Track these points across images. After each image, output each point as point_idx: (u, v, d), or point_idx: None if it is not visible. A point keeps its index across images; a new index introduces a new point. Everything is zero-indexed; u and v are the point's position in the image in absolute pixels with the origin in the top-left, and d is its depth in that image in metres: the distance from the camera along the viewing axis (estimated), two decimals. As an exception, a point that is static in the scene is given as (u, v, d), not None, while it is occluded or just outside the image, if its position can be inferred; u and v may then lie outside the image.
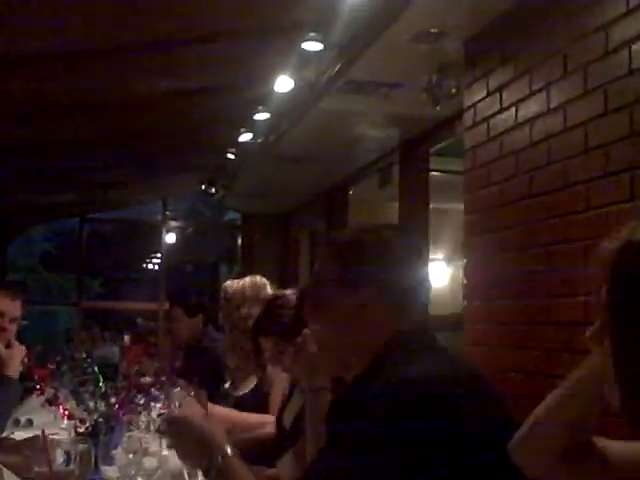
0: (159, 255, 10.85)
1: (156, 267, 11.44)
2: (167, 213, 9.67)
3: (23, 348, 3.12)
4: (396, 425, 1.21)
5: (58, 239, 11.62)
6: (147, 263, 11.73)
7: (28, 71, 4.33)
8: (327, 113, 4.86)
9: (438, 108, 3.95)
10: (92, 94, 4.88)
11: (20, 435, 3.00)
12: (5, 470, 2.07)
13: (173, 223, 9.94)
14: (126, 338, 5.52)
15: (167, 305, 5.19)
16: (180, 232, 10.30)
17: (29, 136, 5.65)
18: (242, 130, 5.65)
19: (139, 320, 10.62)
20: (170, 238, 10.08)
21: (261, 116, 5.22)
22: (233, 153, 6.34)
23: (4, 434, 2.98)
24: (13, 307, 3.28)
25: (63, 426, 2.74)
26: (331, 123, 5.09)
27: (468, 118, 3.63)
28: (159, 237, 9.78)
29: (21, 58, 4.09)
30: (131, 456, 2.20)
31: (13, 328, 3.24)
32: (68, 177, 7.30)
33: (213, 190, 7.81)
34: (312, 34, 3.79)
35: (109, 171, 7.13)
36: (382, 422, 1.22)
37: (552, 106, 2.94)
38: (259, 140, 5.72)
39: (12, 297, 3.30)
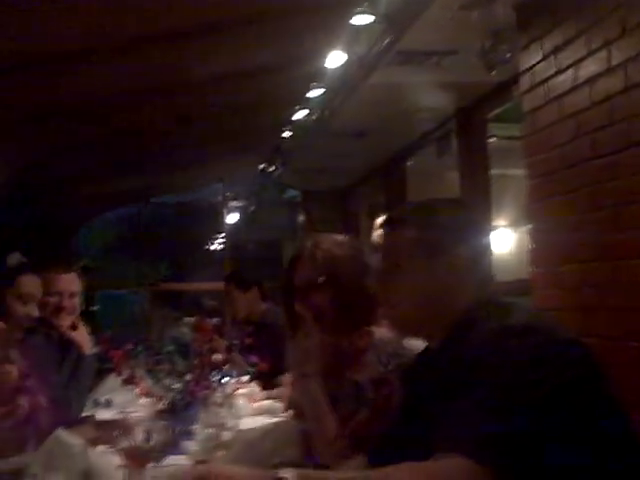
0: (222, 235, 11.02)
1: (219, 247, 11.62)
2: (227, 194, 9.79)
3: (82, 329, 3.15)
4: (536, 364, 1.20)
5: (125, 224, 11.87)
6: (211, 244, 11.91)
7: (85, 65, 4.42)
8: (380, 86, 4.84)
9: (493, 74, 3.90)
10: (149, 80, 4.96)
11: (100, 415, 3.12)
12: (92, 448, 2.16)
13: (234, 203, 10.06)
14: (194, 318, 5.62)
15: (225, 285, 5.29)
16: (241, 212, 10.41)
17: (93, 130, 5.78)
18: (297, 108, 5.67)
19: (205, 300, 10.81)
20: (232, 218, 10.21)
21: (315, 92, 5.24)
22: (289, 131, 6.38)
23: (85, 414, 3.09)
24: (68, 281, 3.17)
25: (141, 404, 2.83)
26: (385, 96, 5.07)
27: (525, 82, 3.57)
28: (221, 218, 9.91)
29: (83, 50, 4.17)
30: (209, 431, 2.28)
31: (75, 304, 3.17)
32: (132, 164, 7.45)
33: (272, 169, 7.88)
34: (362, 8, 3.79)
35: (172, 155, 7.25)
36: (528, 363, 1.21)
37: (612, 65, 2.88)
38: (314, 117, 5.74)
39: (64, 270, 3.19)
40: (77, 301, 3.18)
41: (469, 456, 1.14)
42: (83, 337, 3.15)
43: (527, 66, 3.54)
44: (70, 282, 3.18)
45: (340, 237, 2.15)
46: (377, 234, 3.79)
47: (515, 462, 1.14)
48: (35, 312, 2.67)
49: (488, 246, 1.54)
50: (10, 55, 3.94)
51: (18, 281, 2.74)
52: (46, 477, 1.67)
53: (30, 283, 2.78)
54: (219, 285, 10.02)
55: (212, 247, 11.94)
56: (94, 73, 4.56)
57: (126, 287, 10.76)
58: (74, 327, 3.13)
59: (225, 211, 9.85)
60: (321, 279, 2.00)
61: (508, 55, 3.71)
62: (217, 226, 10.89)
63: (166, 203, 10.62)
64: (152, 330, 3.35)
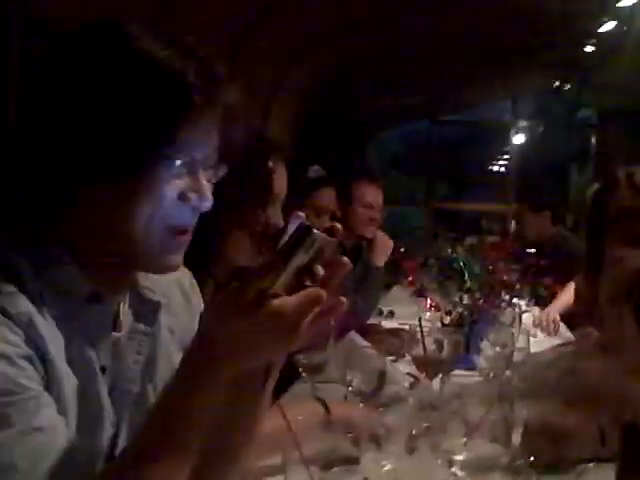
0: (506, 157, 10.70)
1: (502, 169, 11.32)
2: (515, 113, 9.43)
3: (390, 240, 3.25)
4: None
5: (408, 141, 12.00)
6: (493, 165, 11.66)
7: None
8: None
9: None
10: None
11: (385, 324, 3.20)
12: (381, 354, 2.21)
13: (522, 123, 9.68)
14: (469, 239, 5.60)
15: (515, 206, 5.17)
16: (529, 132, 10.00)
17: (380, 43, 5.81)
18: (604, 19, 5.22)
19: (483, 222, 10.68)
20: (518, 139, 9.85)
21: (627, 2, 4.76)
22: (592, 45, 5.91)
23: (371, 322, 3.20)
24: (379, 196, 3.33)
25: (426, 317, 2.85)
26: None
27: None
28: (507, 138, 9.59)
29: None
30: (498, 349, 2.22)
31: (379, 218, 3.32)
32: (419, 79, 7.43)
33: (566, 86, 7.41)
34: None
35: (459, 71, 7.10)
36: None
37: None
38: (624, 28, 5.24)
39: (377, 186, 3.35)
40: (380, 217, 3.29)
41: None
42: (381, 248, 3.22)
43: None
44: (376, 194, 3.30)
45: None
46: None
47: None
48: (327, 225, 2.77)
49: None
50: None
51: (316, 194, 2.85)
52: (345, 373, 1.73)
53: (326, 196, 2.89)
54: (499, 207, 9.85)
55: (494, 168, 11.68)
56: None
57: (407, 204, 10.95)
58: (371, 238, 3.23)
59: (512, 131, 9.51)
60: None
61: None
62: (502, 147, 10.59)
63: (451, 121, 10.51)
64: (443, 245, 3.35)
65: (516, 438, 1.50)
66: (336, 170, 3.71)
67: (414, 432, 1.46)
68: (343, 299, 0.94)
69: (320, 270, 0.90)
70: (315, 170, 3.03)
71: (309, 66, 5.72)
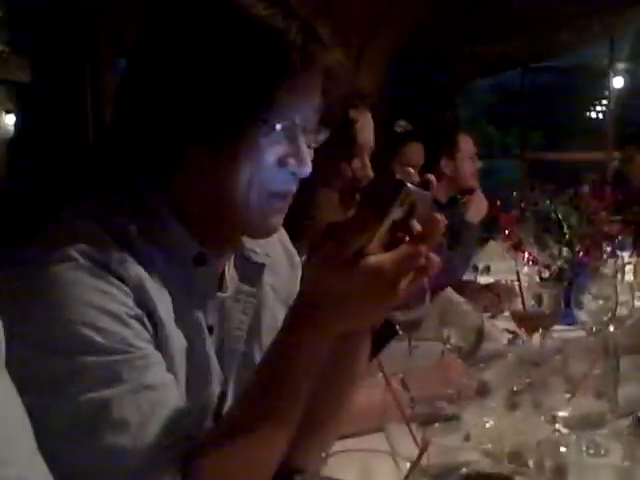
0: (604, 102, 10.27)
1: (600, 115, 10.88)
2: (614, 55, 9.01)
3: (485, 201, 3.18)
4: None
5: (501, 91, 11.68)
6: (590, 112, 11.22)
7: None
8: None
9: None
10: None
11: (481, 280, 3.15)
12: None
13: (621, 65, 9.25)
14: (567, 190, 5.43)
15: (617, 153, 4.98)
16: (629, 75, 9.54)
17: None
18: None
19: (583, 172, 10.31)
20: (618, 82, 9.42)
21: None
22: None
23: (466, 278, 3.15)
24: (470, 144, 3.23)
25: (524, 272, 2.79)
26: None
27: None
28: (606, 82, 9.19)
29: None
30: (601, 302, 2.16)
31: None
32: (511, 23, 7.19)
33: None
34: None
35: (553, 10, 6.82)
36: None
37: None
38: None
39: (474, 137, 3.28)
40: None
41: None
42: (477, 205, 3.16)
43: None
44: (470, 144, 3.22)
45: None
46: None
47: None
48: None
49: None
50: None
51: (403, 149, 2.81)
52: (442, 330, 1.72)
53: (414, 151, 2.84)
54: (598, 155, 9.48)
55: (592, 115, 11.25)
56: None
57: (501, 156, 10.70)
58: (470, 191, 3.17)
59: (611, 74, 9.11)
60: None
61: None
62: (600, 92, 10.17)
63: (545, 67, 10.14)
64: (533, 199, 3.26)
65: (621, 394, 1.47)
66: (426, 123, 3.65)
67: (515, 389, 1.44)
68: (436, 257, 0.92)
69: (416, 225, 0.89)
70: (402, 125, 2.98)
71: (401, 13, 5.61)
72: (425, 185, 0.90)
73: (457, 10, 5.99)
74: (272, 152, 0.99)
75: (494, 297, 2.56)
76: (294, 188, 1.05)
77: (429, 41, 6.66)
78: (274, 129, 0.98)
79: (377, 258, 0.85)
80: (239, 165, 0.98)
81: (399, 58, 6.27)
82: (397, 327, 1.74)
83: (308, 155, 1.02)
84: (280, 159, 1.00)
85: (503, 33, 7.56)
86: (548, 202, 2.68)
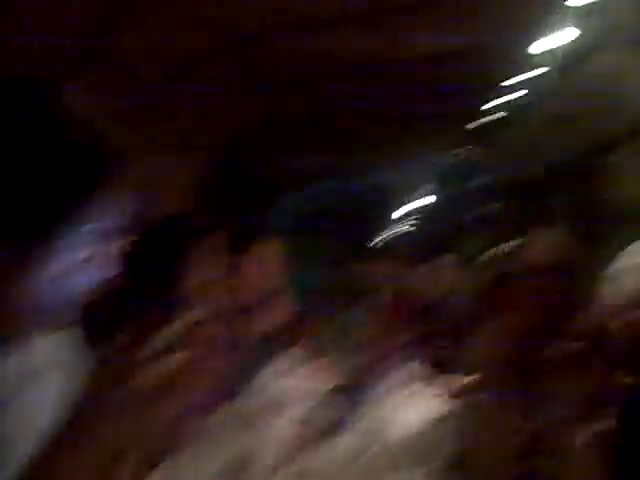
0: (412, 218, 10.91)
1: (407, 231, 11.57)
2: (422, 175, 9.79)
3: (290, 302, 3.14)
4: None
5: (317, 201, 12.13)
6: (399, 225, 11.92)
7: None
8: (603, 68, 4.57)
9: None
10: (352, 57, 4.97)
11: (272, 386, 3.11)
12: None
13: (426, 185, 10.03)
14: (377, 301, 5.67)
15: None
16: (434, 194, 10.33)
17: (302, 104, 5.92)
18: (509, 88, 5.48)
19: (389, 283, 10.81)
20: (423, 200, 10.22)
21: (529, 73, 5.03)
22: (493, 113, 6.18)
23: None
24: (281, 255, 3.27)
25: (318, 379, 2.78)
26: (605, 79, 4.77)
27: None
28: (412, 199, 9.86)
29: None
30: (385, 412, 2.13)
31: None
32: (324, 142, 7.59)
33: (466, 152, 7.73)
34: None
35: (364, 133, 7.27)
36: None
37: None
38: (529, 98, 5.51)
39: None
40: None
41: None
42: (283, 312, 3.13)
43: None
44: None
45: None
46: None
47: None
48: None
49: None
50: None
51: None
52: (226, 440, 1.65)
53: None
54: (405, 268, 10.04)
55: (402, 229, 11.97)
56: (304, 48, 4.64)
57: (315, 263, 10.99)
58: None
59: (417, 193, 9.86)
60: None
61: None
62: (407, 208, 10.88)
63: (360, 182, 10.78)
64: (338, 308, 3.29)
65: None
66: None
67: None
68: None
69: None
70: None
71: (213, 130, 5.78)
72: None
73: (270, 128, 6.25)
74: (78, 253, 0.98)
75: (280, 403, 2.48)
76: (98, 289, 1.04)
77: (246, 154, 6.88)
78: (81, 230, 0.97)
79: None
80: (42, 264, 0.96)
81: (215, 171, 6.41)
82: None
83: (115, 258, 1.02)
84: (85, 259, 0.99)
85: (316, 150, 7.96)
86: (348, 314, 2.71)
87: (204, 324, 0.89)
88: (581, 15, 3.88)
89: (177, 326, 0.87)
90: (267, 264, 3.16)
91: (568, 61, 4.56)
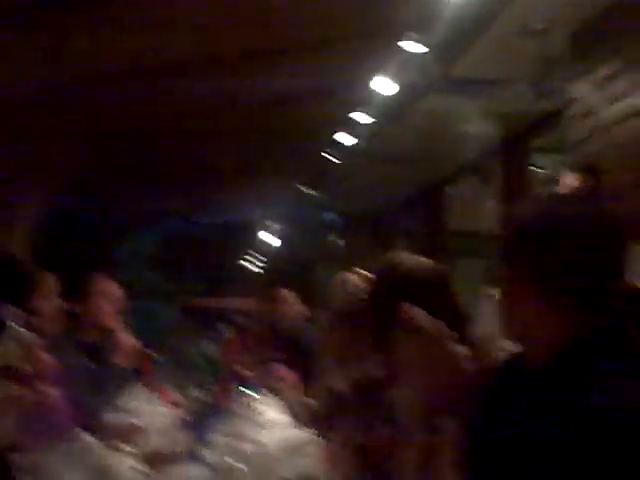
0: (257, 255, 11.01)
1: (254, 268, 11.64)
2: (265, 214, 9.83)
3: (132, 340, 3.13)
4: None
5: (160, 239, 11.94)
6: (245, 262, 11.95)
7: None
8: (428, 113, 4.82)
9: (542, 103, 3.84)
10: (194, 102, 5.00)
11: (119, 420, 3.07)
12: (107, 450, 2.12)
13: (271, 223, 10.10)
14: (224, 333, 5.64)
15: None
16: (278, 232, 10.43)
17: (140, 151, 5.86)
18: (341, 132, 5.65)
19: (234, 317, 10.76)
20: (268, 238, 10.24)
21: (360, 118, 5.19)
22: (332, 155, 6.34)
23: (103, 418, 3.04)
24: (119, 290, 3.18)
25: (162, 413, 2.79)
26: (432, 123, 5.04)
27: (574, 111, 3.51)
28: (256, 237, 9.90)
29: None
30: (227, 440, 2.22)
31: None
32: (172, 183, 7.53)
33: (312, 191, 7.88)
34: (413, 34, 3.73)
35: (209, 175, 7.28)
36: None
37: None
38: (358, 142, 5.71)
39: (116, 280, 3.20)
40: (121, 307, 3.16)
41: None
42: (124, 348, 3.08)
43: (577, 95, 3.48)
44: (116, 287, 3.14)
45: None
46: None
47: None
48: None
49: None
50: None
51: None
52: (65, 475, 1.64)
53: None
54: (250, 302, 10.02)
55: (247, 265, 11.99)
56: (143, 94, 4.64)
57: (157, 301, 10.78)
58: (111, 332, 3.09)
59: (262, 230, 9.88)
60: None
61: (559, 84, 3.65)
62: (252, 244, 10.92)
63: (201, 222, 10.71)
64: (181, 343, 3.33)
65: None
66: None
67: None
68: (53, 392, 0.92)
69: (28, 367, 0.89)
70: None
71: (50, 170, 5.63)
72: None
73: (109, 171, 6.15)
74: None
75: (126, 436, 2.50)
76: None
77: (85, 196, 6.72)
78: None
79: None
80: None
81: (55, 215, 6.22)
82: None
83: None
84: None
85: (164, 191, 7.89)
86: (189, 347, 2.76)
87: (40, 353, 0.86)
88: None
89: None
90: (107, 302, 3.10)
91: (394, 107, 4.77)
